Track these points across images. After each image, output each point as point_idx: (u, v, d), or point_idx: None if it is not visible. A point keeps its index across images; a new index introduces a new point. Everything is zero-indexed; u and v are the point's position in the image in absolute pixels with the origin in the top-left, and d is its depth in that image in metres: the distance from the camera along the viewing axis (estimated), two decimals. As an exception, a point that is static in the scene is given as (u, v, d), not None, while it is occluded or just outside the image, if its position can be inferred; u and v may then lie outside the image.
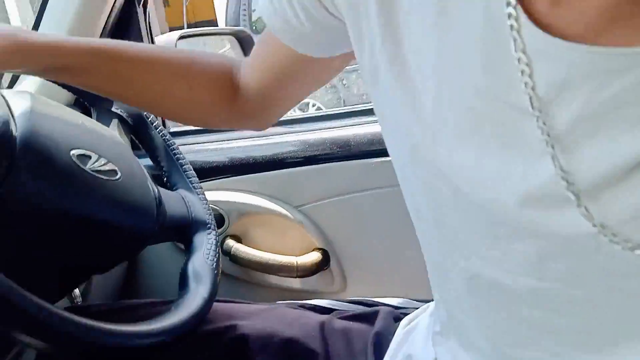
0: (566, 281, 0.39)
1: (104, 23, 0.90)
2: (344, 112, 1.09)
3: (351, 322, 0.71)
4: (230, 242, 0.99)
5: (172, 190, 0.78)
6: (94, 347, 0.48)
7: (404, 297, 0.80)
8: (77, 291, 0.73)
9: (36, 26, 0.86)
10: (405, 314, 0.69)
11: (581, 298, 0.39)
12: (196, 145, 1.03)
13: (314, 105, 4.70)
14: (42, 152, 0.55)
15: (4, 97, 0.57)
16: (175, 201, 0.74)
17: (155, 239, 0.68)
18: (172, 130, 1.06)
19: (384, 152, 1.00)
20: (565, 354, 0.43)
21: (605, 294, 0.38)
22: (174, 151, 0.81)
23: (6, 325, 0.43)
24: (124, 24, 0.94)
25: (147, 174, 0.69)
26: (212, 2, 8.79)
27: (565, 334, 0.42)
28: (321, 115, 1.10)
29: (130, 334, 0.51)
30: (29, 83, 0.83)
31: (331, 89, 4.69)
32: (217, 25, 9.12)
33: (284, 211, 1.00)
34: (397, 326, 0.68)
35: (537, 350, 0.44)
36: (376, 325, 0.69)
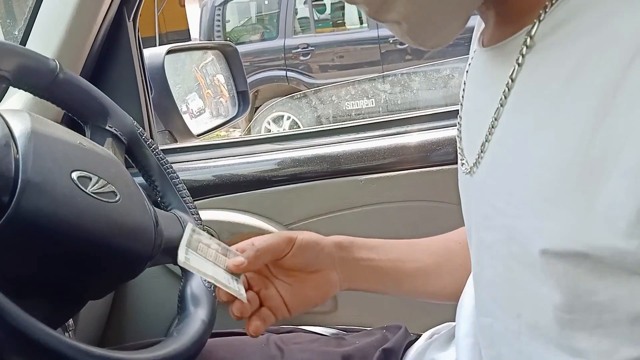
0: None
1: (94, 37, 0.88)
2: (332, 129, 1.09)
3: (363, 342, 0.73)
4: (221, 262, 0.98)
5: (166, 209, 0.77)
6: None
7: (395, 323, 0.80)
8: (71, 321, 0.71)
9: (23, 42, 0.84)
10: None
11: None
12: (186, 163, 1.02)
13: (288, 118, 4.71)
14: (44, 174, 0.53)
15: (3, 118, 0.55)
16: (171, 222, 0.72)
17: (153, 261, 0.67)
18: (161, 147, 1.04)
19: (372, 169, 1.02)
20: None
21: None
22: (168, 170, 0.79)
23: (11, 354, 0.42)
24: (114, 38, 0.93)
25: (143, 194, 0.68)
26: (184, 13, 8.75)
27: None
28: (310, 132, 1.10)
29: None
30: (17, 98, 0.81)
31: (306, 105, 4.72)
32: (189, 36, 9.08)
33: (274, 230, 1.00)
34: (408, 344, 0.70)
35: None
36: (386, 343, 0.71)
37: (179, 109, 1.17)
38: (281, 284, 0.63)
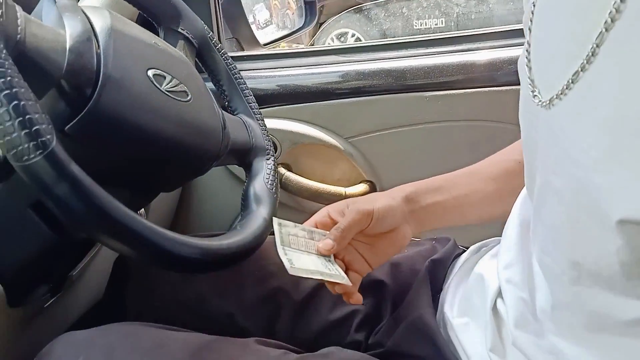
0: None
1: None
2: (399, 43, 1.06)
3: (412, 251, 0.75)
4: (281, 170, 1.01)
5: (233, 114, 0.80)
6: (166, 255, 0.50)
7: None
8: (142, 210, 0.76)
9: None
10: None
11: None
12: (251, 71, 1.03)
13: (353, 36, 4.60)
14: (123, 70, 0.56)
15: (85, 14, 0.58)
16: (238, 126, 0.75)
17: (220, 160, 0.70)
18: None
19: (438, 86, 1.00)
20: None
21: None
22: (236, 76, 0.81)
23: (96, 231, 0.46)
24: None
25: (212, 97, 0.70)
26: None
27: None
28: (375, 45, 1.08)
29: (200, 246, 0.53)
30: (95, -3, 0.83)
31: (374, 19, 4.56)
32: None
33: (334, 142, 1.01)
34: (455, 256, 0.71)
35: None
36: (435, 254, 0.73)
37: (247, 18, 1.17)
38: (361, 246, 0.67)
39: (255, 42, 1.12)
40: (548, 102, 0.45)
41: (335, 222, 0.65)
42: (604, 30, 0.39)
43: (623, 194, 0.37)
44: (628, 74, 0.37)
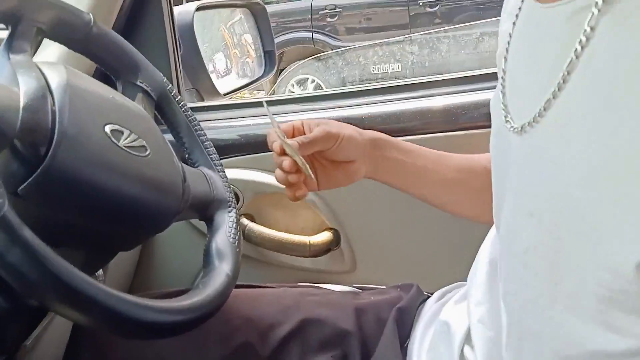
0: None
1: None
2: (357, 91, 1.08)
3: (377, 299, 0.75)
4: (244, 221, 1.00)
5: (193, 166, 0.79)
6: (125, 321, 0.48)
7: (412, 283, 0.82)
8: (100, 271, 0.73)
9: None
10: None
11: None
12: (212, 121, 1.03)
13: (312, 82, 4.68)
14: (80, 126, 0.55)
15: (40, 70, 0.57)
16: (198, 178, 0.74)
17: (180, 215, 0.69)
18: (188, 105, 1.05)
19: (396, 132, 1.01)
20: None
21: None
22: (196, 127, 0.81)
23: (50, 299, 0.44)
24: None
25: (172, 150, 0.69)
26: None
27: None
28: (334, 94, 1.09)
29: (161, 309, 0.51)
30: (51, 51, 0.82)
31: (332, 66, 4.67)
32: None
33: (296, 190, 1.01)
34: (420, 303, 0.71)
35: None
36: (400, 302, 0.73)
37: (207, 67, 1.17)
38: (318, 165, 0.75)
39: (215, 92, 1.12)
40: (520, 128, 0.48)
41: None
42: (574, 57, 0.42)
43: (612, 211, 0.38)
44: (597, 97, 0.40)
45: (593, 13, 0.40)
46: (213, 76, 1.40)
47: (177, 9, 1.05)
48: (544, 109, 0.45)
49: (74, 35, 0.67)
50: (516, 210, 0.50)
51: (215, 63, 1.55)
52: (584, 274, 0.41)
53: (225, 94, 1.14)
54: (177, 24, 1.04)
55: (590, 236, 0.40)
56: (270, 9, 5.70)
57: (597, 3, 0.40)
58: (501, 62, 0.55)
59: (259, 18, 1.29)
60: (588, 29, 0.40)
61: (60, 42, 0.67)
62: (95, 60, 0.72)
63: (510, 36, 0.54)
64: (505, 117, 0.51)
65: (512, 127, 0.50)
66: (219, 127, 1.03)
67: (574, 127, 0.42)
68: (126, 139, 0.60)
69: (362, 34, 5.61)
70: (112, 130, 0.59)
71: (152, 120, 0.70)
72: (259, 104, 1.06)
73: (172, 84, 0.98)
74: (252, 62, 1.60)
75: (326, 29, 5.68)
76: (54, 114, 0.54)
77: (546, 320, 0.46)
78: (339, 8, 5.60)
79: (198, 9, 1.08)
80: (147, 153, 0.62)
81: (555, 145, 0.43)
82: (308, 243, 0.98)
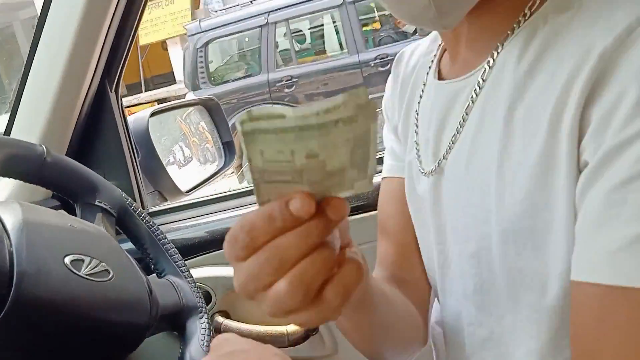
0: None
1: (77, 114, 0.91)
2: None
3: None
4: (219, 319, 0.99)
5: (160, 276, 0.79)
6: None
7: None
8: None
9: (8, 131, 0.87)
10: None
11: None
12: (177, 222, 1.04)
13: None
14: (39, 264, 0.56)
15: (-5, 213, 0.58)
16: (166, 289, 0.74)
17: (152, 330, 0.68)
18: (150, 210, 1.06)
19: (361, 208, 1.04)
20: None
21: None
22: (159, 237, 0.81)
23: None
24: (98, 112, 0.96)
25: (136, 266, 0.70)
26: (168, 56, 8.86)
27: None
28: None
29: None
30: (4, 185, 0.83)
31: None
32: (174, 78, 9.18)
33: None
34: None
35: None
36: None
37: (166, 164, 1.19)
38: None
39: (177, 192, 1.13)
40: (437, 166, 0.58)
41: None
42: (470, 102, 0.54)
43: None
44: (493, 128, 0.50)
45: (476, 88, 0.53)
46: (174, 167, 1.41)
47: (131, 117, 1.08)
48: (453, 142, 0.55)
49: (28, 169, 0.69)
50: (457, 256, 0.57)
51: (175, 154, 1.56)
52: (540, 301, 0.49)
53: (187, 192, 1.16)
54: (132, 131, 1.06)
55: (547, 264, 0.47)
56: (228, 87, 5.85)
57: (479, 82, 0.53)
58: (415, 136, 0.64)
59: (214, 112, 1.32)
60: (474, 96, 0.53)
61: (15, 178, 0.68)
62: (51, 189, 0.74)
63: (417, 113, 0.64)
64: (420, 170, 0.61)
65: (422, 170, 0.60)
66: (185, 227, 1.04)
67: (485, 159, 0.51)
68: (87, 266, 0.61)
69: (322, 98, 5.75)
70: (72, 261, 0.59)
71: (112, 240, 0.71)
72: (221, 199, 1.08)
73: (133, 193, 1.00)
74: (212, 146, 1.62)
75: (285, 99, 5.80)
76: (11, 255, 0.54)
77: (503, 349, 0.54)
78: (294, 78, 5.76)
79: (152, 114, 1.11)
80: (110, 277, 0.63)
81: (472, 181, 0.53)
82: (286, 332, 0.98)
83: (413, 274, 0.68)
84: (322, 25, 6.21)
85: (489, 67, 0.52)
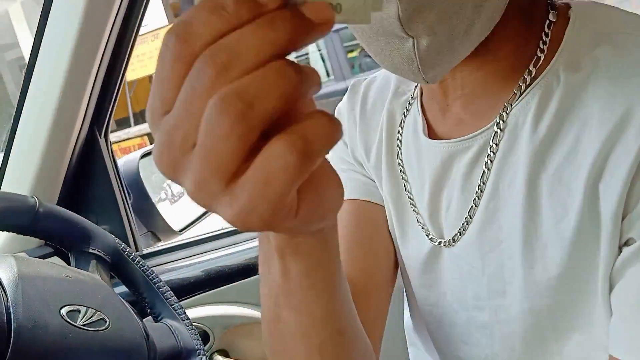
0: None
1: (67, 162, 0.92)
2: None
3: None
4: (218, 358, 0.99)
5: (156, 320, 0.79)
6: None
7: None
8: None
9: (1, 174, 0.87)
10: None
11: None
12: (172, 263, 1.04)
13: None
14: (35, 318, 0.56)
15: (-10, 269, 0.58)
16: (163, 333, 0.74)
17: (150, 376, 0.68)
18: (144, 252, 1.06)
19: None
20: None
21: None
22: (154, 280, 0.82)
23: None
24: (88, 159, 0.97)
25: (132, 312, 0.70)
26: (155, 91, 8.86)
27: None
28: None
29: None
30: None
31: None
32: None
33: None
34: None
35: None
36: None
37: (157, 202, 1.19)
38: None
39: (170, 232, 1.14)
40: (448, 241, 0.53)
41: None
42: (485, 170, 0.50)
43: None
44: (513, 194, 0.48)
45: (489, 154, 0.50)
46: (166, 203, 1.41)
47: (121, 160, 1.09)
48: (470, 216, 0.51)
49: (20, 221, 0.69)
50: (466, 324, 0.54)
51: (167, 190, 1.57)
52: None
53: (180, 231, 1.16)
54: (123, 174, 1.07)
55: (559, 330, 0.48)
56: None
57: (491, 146, 0.50)
58: (401, 183, 0.59)
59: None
60: (489, 162, 0.50)
61: (8, 231, 0.69)
62: (45, 239, 0.74)
63: (403, 166, 0.58)
64: (426, 234, 0.56)
65: (436, 241, 0.55)
66: (179, 267, 1.04)
67: (503, 232, 0.49)
68: (83, 316, 0.61)
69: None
70: (68, 312, 0.60)
71: (107, 287, 0.71)
72: (214, 238, 1.08)
73: (126, 236, 1.00)
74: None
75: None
76: (8, 310, 0.55)
77: None
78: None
79: (143, 156, 1.12)
80: (106, 325, 0.63)
81: (488, 255, 0.51)
82: (285, 369, 0.97)
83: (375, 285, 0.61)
84: (308, 53, 6.28)
85: (500, 130, 0.48)
